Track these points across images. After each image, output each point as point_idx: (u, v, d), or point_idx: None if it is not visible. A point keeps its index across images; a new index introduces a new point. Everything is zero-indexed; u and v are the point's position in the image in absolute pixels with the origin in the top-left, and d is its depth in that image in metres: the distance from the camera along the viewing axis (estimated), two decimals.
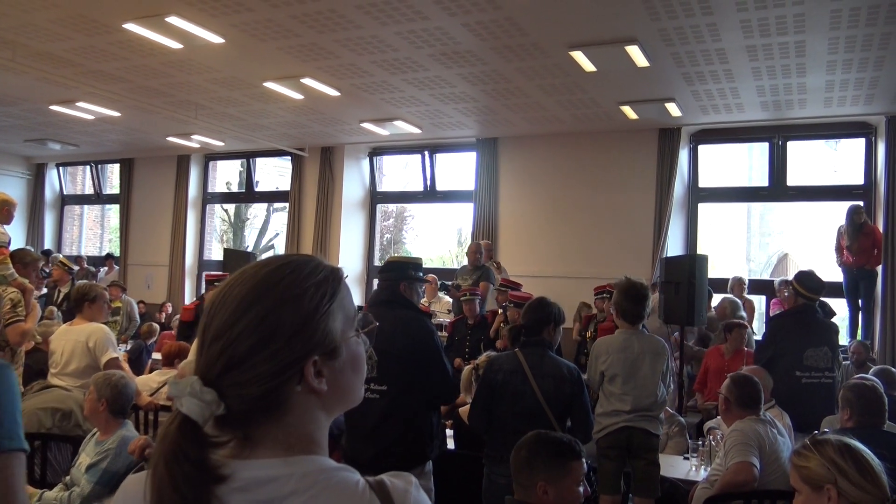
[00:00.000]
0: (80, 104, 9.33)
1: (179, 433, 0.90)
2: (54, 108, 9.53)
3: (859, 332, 8.09)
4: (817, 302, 5.51)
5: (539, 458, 2.49)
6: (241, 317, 0.95)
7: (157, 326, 9.00)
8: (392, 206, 17.21)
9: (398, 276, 3.77)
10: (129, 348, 8.34)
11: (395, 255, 14.45)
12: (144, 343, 8.58)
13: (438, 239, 18.76)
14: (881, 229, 8.26)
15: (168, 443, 0.90)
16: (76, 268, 9.83)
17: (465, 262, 8.69)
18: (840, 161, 14.77)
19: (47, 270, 9.31)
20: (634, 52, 6.32)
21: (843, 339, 8.50)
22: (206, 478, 0.89)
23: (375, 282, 11.17)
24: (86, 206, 15.49)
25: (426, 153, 11.15)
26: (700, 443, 4.57)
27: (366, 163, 11.71)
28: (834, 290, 8.28)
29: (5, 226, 5.11)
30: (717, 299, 7.88)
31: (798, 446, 2.13)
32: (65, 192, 14.77)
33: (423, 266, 4.03)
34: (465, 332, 7.11)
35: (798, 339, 5.24)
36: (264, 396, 0.94)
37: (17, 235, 10.68)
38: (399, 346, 3.48)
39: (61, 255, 10.74)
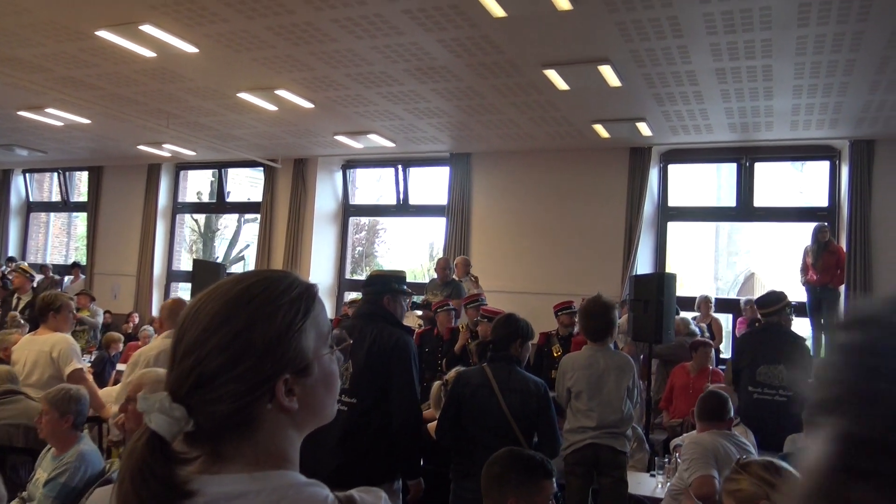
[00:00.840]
0: (50, 110, 9.20)
1: (147, 449, 0.89)
2: (22, 113, 9.38)
3: (822, 350, 8.22)
4: (783, 312, 5.59)
5: (511, 474, 2.50)
6: (213, 334, 0.94)
7: (120, 336, 8.83)
8: (364, 220, 17.18)
9: (381, 290, 3.77)
10: (92, 360, 8.17)
11: (379, 268, 14.43)
12: (108, 354, 8.40)
13: (410, 253, 18.73)
14: (845, 250, 8.44)
15: (135, 459, 0.89)
16: (38, 276, 9.64)
17: (436, 276, 8.66)
18: (805, 183, 15.08)
19: (10, 279, 9.14)
20: (607, 72, 6.42)
21: None
22: (172, 494, 0.88)
23: (348, 295, 11.15)
24: (52, 214, 15.23)
25: (399, 167, 11.17)
26: (666, 460, 4.61)
27: (339, 175, 11.69)
28: (798, 309, 8.43)
29: None
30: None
31: (726, 473, 2.20)
32: (31, 199, 14.52)
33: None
34: (438, 344, 7.08)
35: (753, 356, 5.34)
36: (234, 414, 0.93)
37: None
38: (373, 360, 3.49)
39: (24, 263, 10.56)
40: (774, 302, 5.59)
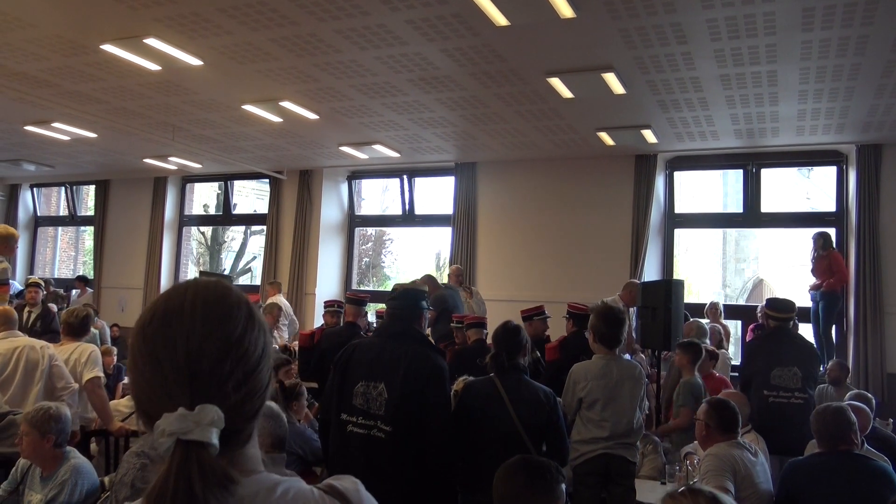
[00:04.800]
0: (56, 125, 9.24)
1: (198, 461, 0.87)
2: (29, 128, 9.43)
3: (823, 353, 8.22)
4: (790, 322, 5.61)
5: (520, 478, 2.48)
6: (247, 329, 0.99)
7: (113, 349, 8.80)
8: (371, 230, 17.19)
9: (414, 309, 3.61)
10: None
11: (405, 282, 14.33)
12: (105, 367, 8.34)
13: (417, 263, 18.74)
14: (853, 255, 8.40)
15: (186, 476, 0.86)
16: (49, 288, 9.66)
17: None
18: (813, 188, 15.03)
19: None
20: (611, 79, 6.40)
21: None
22: (228, 481, 0.90)
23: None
24: (60, 228, 15.30)
25: (405, 177, 11.17)
26: (677, 468, 4.56)
27: (344, 186, 11.70)
28: (804, 315, 8.41)
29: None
30: None
31: (674, 490, 2.17)
32: (38, 214, 14.58)
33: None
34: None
35: (766, 359, 5.32)
36: (259, 411, 0.99)
37: None
38: (410, 387, 3.34)
39: (35, 277, 10.58)
40: (789, 309, 5.63)
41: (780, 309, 5.67)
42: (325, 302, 7.87)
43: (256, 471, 0.98)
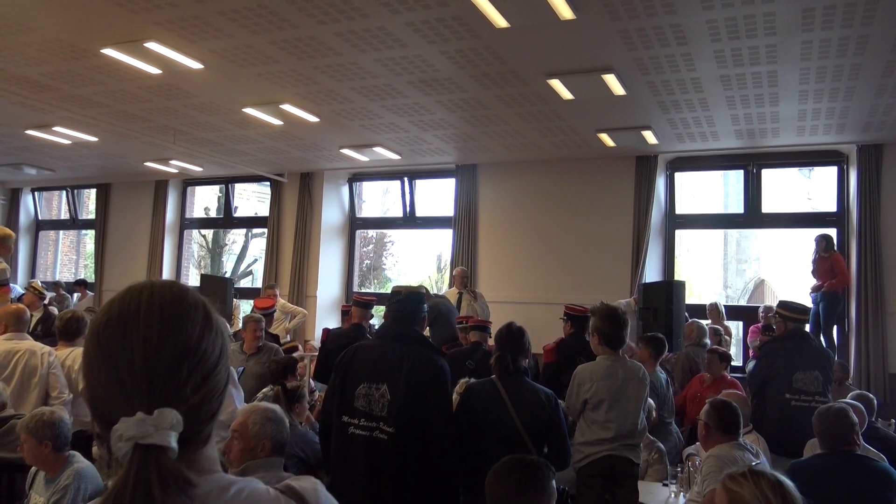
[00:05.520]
0: (57, 129, 9.25)
1: (156, 465, 0.87)
2: (30, 132, 9.44)
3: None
4: (806, 324, 5.61)
5: (512, 479, 2.49)
6: (204, 331, 0.98)
7: None
8: (372, 232, 17.19)
9: (414, 310, 3.62)
10: None
11: (404, 284, 14.31)
12: None
13: (418, 265, 18.74)
14: (854, 255, 8.40)
15: (146, 482, 0.86)
16: (48, 294, 9.66)
17: (445, 288, 8.66)
18: (814, 188, 15.02)
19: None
20: (611, 80, 6.40)
21: None
22: (186, 485, 0.89)
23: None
24: (61, 232, 15.31)
25: (406, 179, 11.18)
26: (679, 469, 4.55)
27: (345, 188, 11.71)
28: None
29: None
30: None
31: (734, 471, 2.17)
32: (40, 217, 14.59)
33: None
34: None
35: (787, 363, 5.31)
36: (216, 413, 0.98)
37: None
38: (413, 388, 3.34)
39: (36, 281, 10.58)
40: (805, 311, 5.62)
41: (797, 310, 5.63)
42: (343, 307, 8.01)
43: (212, 471, 0.98)
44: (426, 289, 8.37)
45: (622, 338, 4.22)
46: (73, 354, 4.84)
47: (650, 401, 5.00)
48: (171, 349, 0.94)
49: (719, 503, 2.13)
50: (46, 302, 10.55)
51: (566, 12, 5.04)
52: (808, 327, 8.25)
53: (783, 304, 5.82)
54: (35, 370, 4.55)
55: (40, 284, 8.86)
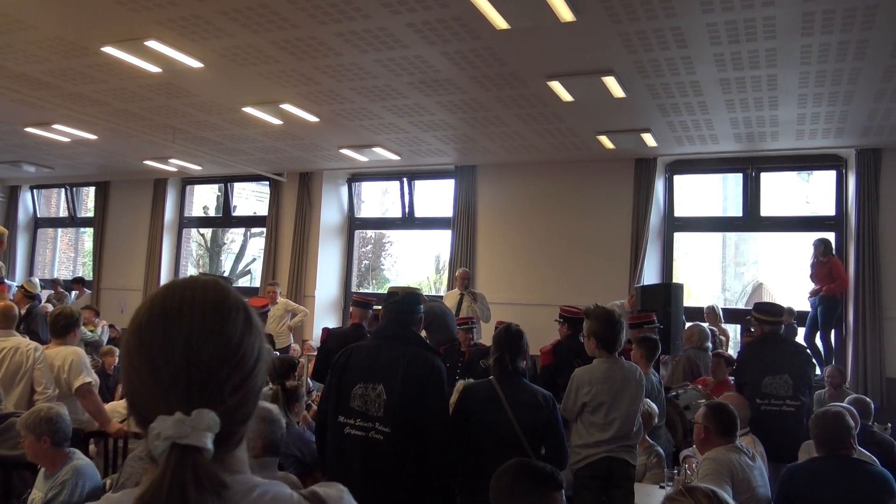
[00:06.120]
0: (57, 126, 9.24)
1: (192, 465, 0.87)
2: (30, 130, 9.43)
3: (822, 357, 8.24)
4: (781, 326, 5.58)
5: (521, 486, 2.47)
6: (245, 333, 0.98)
7: (115, 350, 8.79)
8: (370, 233, 17.20)
9: (411, 311, 3.63)
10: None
11: (394, 284, 14.31)
12: (105, 368, 8.30)
13: (417, 265, 18.74)
14: (852, 259, 8.41)
15: (181, 480, 0.86)
16: (45, 292, 9.64)
17: (444, 289, 8.66)
18: (812, 192, 15.03)
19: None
20: (611, 83, 6.41)
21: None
22: (219, 486, 0.90)
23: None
24: (59, 230, 15.30)
25: (405, 180, 11.18)
26: (675, 471, 4.56)
27: (344, 189, 11.71)
28: (804, 319, 8.44)
29: None
30: None
31: (671, 492, 2.17)
32: (38, 215, 14.58)
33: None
34: (457, 358, 7.06)
35: (757, 368, 5.29)
36: (252, 415, 0.99)
37: None
38: (409, 388, 3.34)
39: (33, 279, 10.55)
40: (777, 313, 5.59)
41: (771, 312, 5.60)
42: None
43: (241, 472, 0.98)
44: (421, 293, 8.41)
45: (619, 340, 4.22)
46: (61, 355, 4.76)
47: (654, 406, 5.01)
48: (213, 350, 0.95)
49: None
50: (45, 300, 10.54)
51: (566, 14, 5.04)
52: (802, 329, 8.36)
53: (758, 307, 5.77)
54: (20, 366, 4.54)
55: (33, 282, 8.82)
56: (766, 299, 17.32)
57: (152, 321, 0.97)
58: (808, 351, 6.37)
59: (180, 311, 0.96)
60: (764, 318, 5.55)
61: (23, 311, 8.08)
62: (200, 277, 1.04)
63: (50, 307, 9.29)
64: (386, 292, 3.98)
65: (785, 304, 8.84)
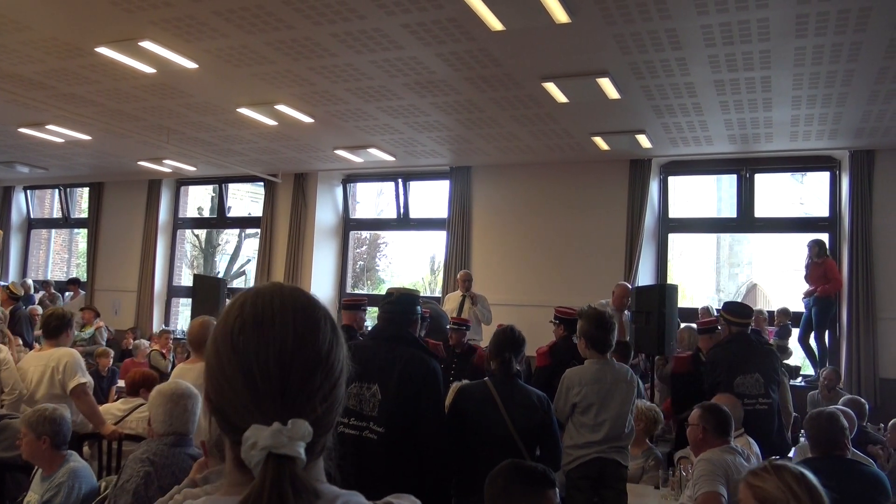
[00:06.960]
0: (50, 127, 9.21)
1: (290, 477, 0.88)
2: (23, 130, 9.40)
3: (816, 357, 8.28)
4: (749, 327, 5.58)
5: (516, 486, 2.47)
6: (332, 341, 0.98)
7: (109, 351, 8.76)
8: (365, 234, 17.18)
9: (409, 313, 3.64)
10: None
11: (399, 286, 14.27)
12: (100, 370, 8.26)
13: (412, 267, 18.72)
14: (846, 260, 8.44)
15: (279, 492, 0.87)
16: (22, 294, 9.60)
17: (439, 290, 8.65)
18: (806, 194, 15.08)
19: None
20: (606, 84, 6.42)
21: (808, 367, 8.66)
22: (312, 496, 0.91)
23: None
24: (53, 230, 15.24)
25: (400, 181, 11.18)
26: (670, 472, 4.56)
27: (339, 190, 11.70)
28: (798, 320, 8.47)
29: None
30: None
31: (757, 467, 2.15)
32: (32, 216, 14.53)
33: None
34: (451, 359, 7.07)
35: (728, 368, 5.30)
36: (334, 424, 0.99)
37: None
38: (405, 388, 3.35)
39: (27, 280, 10.53)
40: (746, 314, 5.60)
41: (740, 314, 5.59)
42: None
43: (322, 481, 0.99)
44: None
45: (609, 341, 4.23)
46: (55, 357, 4.72)
47: (658, 411, 5.02)
48: (305, 358, 0.94)
49: (744, 500, 2.11)
50: (38, 301, 10.51)
51: (561, 16, 5.05)
52: (798, 331, 8.39)
53: (727, 307, 5.77)
54: None
55: (26, 284, 8.80)
56: (760, 300, 17.39)
57: (245, 328, 0.96)
58: (771, 344, 6.38)
59: (273, 318, 0.96)
60: (732, 319, 5.54)
61: (6, 313, 8.07)
62: (284, 284, 1.04)
63: (40, 309, 9.26)
64: (384, 293, 3.98)
65: (779, 305, 8.94)
